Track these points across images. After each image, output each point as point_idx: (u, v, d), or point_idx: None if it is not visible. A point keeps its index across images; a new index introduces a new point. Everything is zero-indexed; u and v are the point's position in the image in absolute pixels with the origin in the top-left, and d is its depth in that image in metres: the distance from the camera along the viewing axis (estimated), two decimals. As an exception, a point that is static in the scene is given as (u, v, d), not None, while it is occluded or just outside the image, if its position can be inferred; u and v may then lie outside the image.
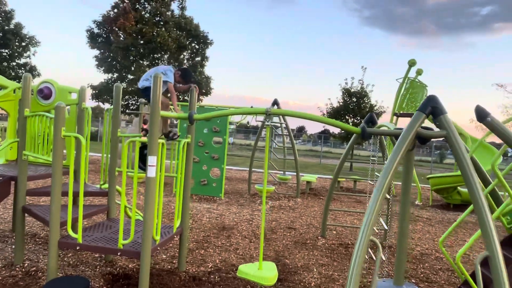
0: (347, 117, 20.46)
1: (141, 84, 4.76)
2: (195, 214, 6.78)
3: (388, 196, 5.49)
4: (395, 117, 11.36)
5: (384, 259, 4.81)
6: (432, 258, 5.26)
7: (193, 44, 25.29)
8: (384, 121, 10.22)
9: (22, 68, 27.02)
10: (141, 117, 8.31)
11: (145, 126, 8.42)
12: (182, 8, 25.14)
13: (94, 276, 3.73)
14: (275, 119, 9.76)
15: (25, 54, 27.30)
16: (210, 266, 4.31)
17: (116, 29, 23.34)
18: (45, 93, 4.96)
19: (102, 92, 23.64)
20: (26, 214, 3.99)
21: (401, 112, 11.15)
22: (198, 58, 25.67)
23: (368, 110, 19.45)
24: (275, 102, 9.47)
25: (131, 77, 23.85)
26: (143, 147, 7.81)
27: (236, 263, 4.44)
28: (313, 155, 34.19)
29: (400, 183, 3.48)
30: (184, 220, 3.98)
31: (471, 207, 3.17)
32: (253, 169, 9.98)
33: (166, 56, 24.39)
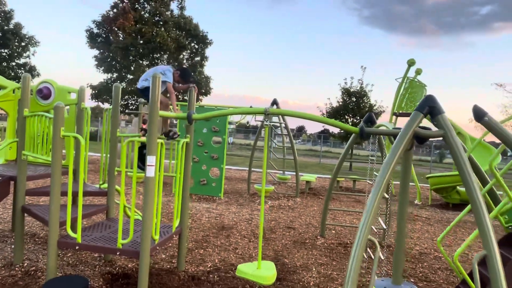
0: (346, 117, 20.46)
1: (140, 84, 4.77)
2: (194, 214, 6.79)
3: (387, 196, 5.50)
4: (394, 117, 11.39)
5: (383, 258, 4.82)
6: (431, 258, 5.27)
7: (192, 44, 25.29)
8: (384, 121, 10.23)
9: (22, 68, 27.02)
10: (140, 117, 8.32)
11: (144, 126, 8.42)
12: (181, 8, 25.14)
13: (94, 276, 3.74)
14: (275, 119, 9.77)
15: (24, 54, 27.31)
16: (209, 265, 4.32)
17: (116, 29, 23.34)
18: (44, 93, 4.97)
19: (101, 92, 23.63)
20: (25, 214, 4.00)
21: (400, 111, 11.17)
22: (198, 58, 25.67)
23: (367, 110, 19.43)
24: (274, 102, 9.49)
25: (131, 77, 23.85)
26: (142, 146, 7.81)
27: (235, 262, 4.45)
28: (313, 154, 34.19)
29: (399, 182, 3.49)
30: (183, 219, 3.99)
31: (469, 207, 3.18)
32: (252, 169, 9.99)
33: (165, 56, 24.39)
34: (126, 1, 23.64)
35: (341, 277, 4.28)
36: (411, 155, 3.38)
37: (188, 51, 25.47)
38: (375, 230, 5.58)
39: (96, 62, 24.46)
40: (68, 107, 5.10)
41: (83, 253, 4.29)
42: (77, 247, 3.21)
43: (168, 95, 4.87)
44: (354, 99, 20.22)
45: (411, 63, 11.18)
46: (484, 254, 2.44)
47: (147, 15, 24.01)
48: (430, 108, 2.85)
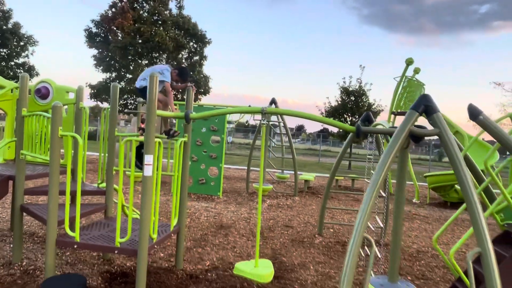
0: (345, 116, 20.48)
1: (139, 84, 4.79)
2: (193, 213, 6.81)
3: (384, 194, 5.53)
4: (392, 116, 11.42)
5: (380, 256, 4.84)
6: (428, 256, 5.30)
7: (191, 43, 25.26)
8: (382, 120, 10.24)
9: (20, 68, 26.97)
10: (139, 116, 8.34)
11: (142, 125, 8.44)
12: (180, 7, 25.11)
13: (92, 274, 3.76)
14: (273, 118, 9.80)
15: (23, 54, 27.26)
16: (207, 264, 4.34)
17: (114, 28, 23.30)
18: (42, 92, 4.98)
19: (100, 91, 23.58)
20: (24, 213, 4.02)
21: (399, 110, 11.20)
22: (197, 57, 25.63)
23: (366, 109, 19.46)
24: (273, 101, 9.51)
25: (130, 76, 23.81)
26: (141, 146, 7.83)
27: (233, 261, 4.47)
28: (312, 153, 34.22)
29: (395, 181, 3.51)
30: (181, 218, 4.01)
31: (464, 205, 3.20)
32: (251, 168, 10.00)
33: (164, 55, 24.36)
34: (124, 0, 23.62)
35: (338, 275, 4.30)
36: (407, 154, 3.40)
37: (187, 51, 25.43)
38: (373, 229, 5.61)
39: (95, 62, 24.41)
40: (66, 106, 5.12)
41: (82, 252, 4.31)
42: (75, 246, 3.23)
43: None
44: (353, 98, 20.23)
45: (409, 62, 11.20)
46: (478, 251, 2.46)
47: (145, 14, 23.97)
48: (426, 106, 2.87)
